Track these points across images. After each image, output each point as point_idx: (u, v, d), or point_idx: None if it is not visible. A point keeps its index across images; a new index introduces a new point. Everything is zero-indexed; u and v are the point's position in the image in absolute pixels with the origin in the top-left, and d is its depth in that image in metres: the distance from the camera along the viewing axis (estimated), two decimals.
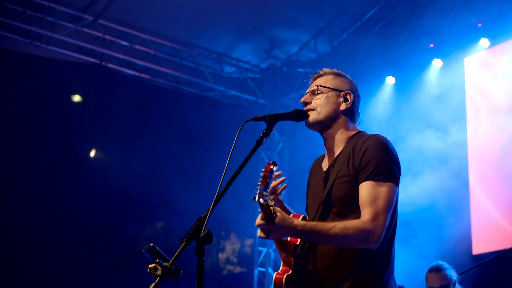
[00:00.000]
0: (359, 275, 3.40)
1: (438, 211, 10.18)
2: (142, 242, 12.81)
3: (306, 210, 3.84)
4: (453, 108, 10.69)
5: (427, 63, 11.36)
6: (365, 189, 3.42)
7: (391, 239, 3.54)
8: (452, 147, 10.48)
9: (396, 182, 3.48)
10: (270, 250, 13.35)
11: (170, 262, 2.96)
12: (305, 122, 3.75)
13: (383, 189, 3.40)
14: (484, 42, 10.63)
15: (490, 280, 9.00)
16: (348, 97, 3.76)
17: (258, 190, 3.04)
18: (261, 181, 3.06)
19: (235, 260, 13.91)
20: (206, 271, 3.03)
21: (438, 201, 10.26)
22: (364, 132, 3.76)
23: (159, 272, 2.92)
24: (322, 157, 3.92)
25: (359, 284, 3.39)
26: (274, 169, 3.10)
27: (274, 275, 3.54)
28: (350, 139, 3.69)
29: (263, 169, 3.08)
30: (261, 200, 3.04)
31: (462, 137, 10.51)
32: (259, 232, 3.23)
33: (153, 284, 2.89)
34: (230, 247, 13.87)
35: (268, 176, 3.07)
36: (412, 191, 10.52)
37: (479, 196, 10.07)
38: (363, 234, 3.28)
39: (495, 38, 10.55)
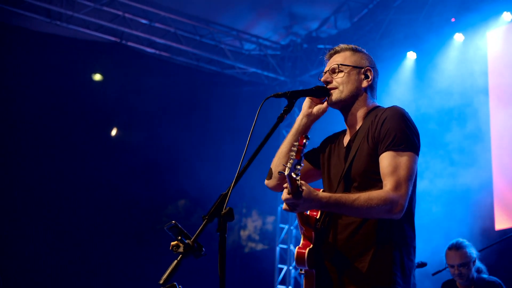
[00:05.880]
0: (380, 248, 3.41)
1: (461, 187, 10.12)
2: (164, 219, 12.86)
3: (324, 185, 3.83)
4: (476, 83, 10.58)
5: (449, 37, 11.23)
6: (385, 159, 3.42)
7: (411, 211, 3.54)
8: (474, 123, 10.40)
9: (416, 152, 3.47)
10: (292, 227, 13.38)
11: (192, 239, 2.97)
12: (327, 101, 3.76)
13: (404, 158, 3.40)
14: (506, 15, 10.50)
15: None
16: (368, 73, 3.77)
17: (290, 164, 3.01)
18: (295, 155, 3.03)
19: (256, 237, 13.94)
20: (228, 249, 3.04)
21: (460, 178, 10.20)
22: (382, 106, 3.75)
23: (181, 250, 2.93)
24: (339, 134, 3.92)
25: (380, 257, 3.40)
26: (307, 143, 3.08)
27: (296, 249, 3.54)
28: (368, 114, 3.70)
29: (296, 143, 3.06)
30: (292, 174, 3.02)
31: (485, 112, 10.41)
32: (284, 206, 3.22)
33: (176, 261, 2.91)
34: (251, 225, 13.90)
35: (302, 150, 3.04)
36: (432, 168, 10.48)
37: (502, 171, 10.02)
38: (387, 204, 3.28)
39: None
